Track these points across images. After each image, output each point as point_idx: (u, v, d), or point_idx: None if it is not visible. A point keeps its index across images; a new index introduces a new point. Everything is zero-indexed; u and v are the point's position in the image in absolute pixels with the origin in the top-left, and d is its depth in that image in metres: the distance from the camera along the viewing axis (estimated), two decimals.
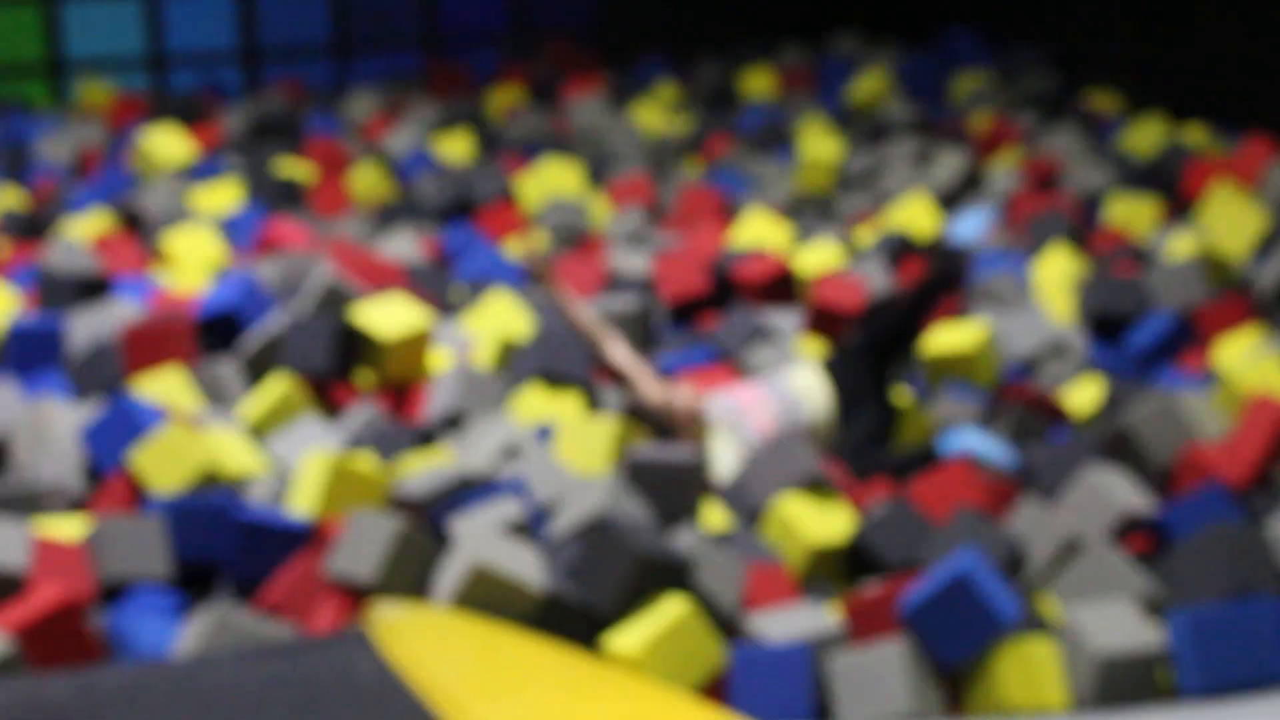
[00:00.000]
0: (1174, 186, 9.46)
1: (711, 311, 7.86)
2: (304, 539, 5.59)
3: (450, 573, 5.12)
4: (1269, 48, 10.60)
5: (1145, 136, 10.31)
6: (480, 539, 5.13)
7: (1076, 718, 4.94)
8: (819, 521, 5.71)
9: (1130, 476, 5.88)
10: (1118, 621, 5.08)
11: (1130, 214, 8.90)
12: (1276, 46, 10.56)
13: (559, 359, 6.69)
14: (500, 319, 7.35)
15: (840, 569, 5.72)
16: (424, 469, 5.79)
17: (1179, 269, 7.75)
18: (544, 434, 6.30)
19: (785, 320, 7.63)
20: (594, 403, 6.74)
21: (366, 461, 5.97)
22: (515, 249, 7.95)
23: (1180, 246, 8.10)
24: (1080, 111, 10.99)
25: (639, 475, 5.61)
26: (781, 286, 7.88)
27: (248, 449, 6.28)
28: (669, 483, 5.60)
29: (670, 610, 5.01)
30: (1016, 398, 6.73)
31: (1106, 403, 6.59)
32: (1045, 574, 5.55)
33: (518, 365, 6.74)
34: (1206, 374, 7.08)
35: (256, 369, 6.91)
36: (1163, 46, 11.45)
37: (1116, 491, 5.71)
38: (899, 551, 5.61)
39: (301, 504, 5.79)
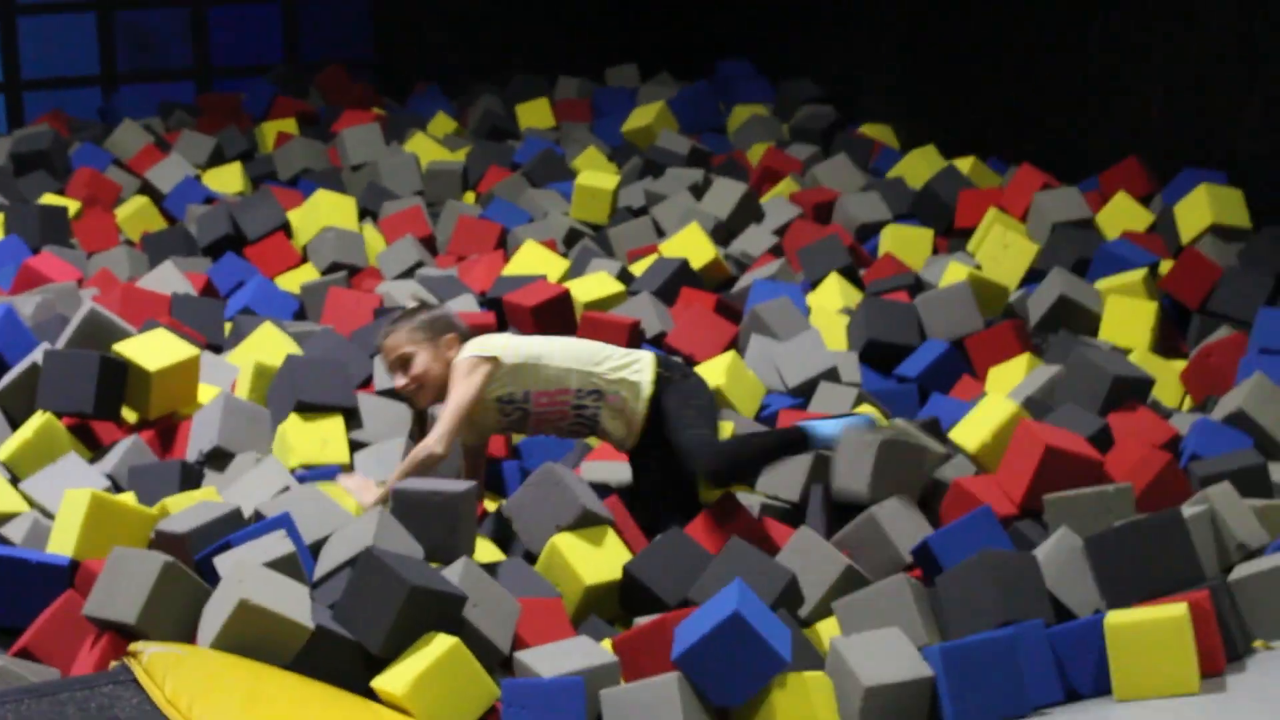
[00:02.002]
0: (947, 217, 9.54)
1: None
2: (63, 577, 5.41)
3: (216, 609, 4.97)
4: (1036, 86, 10.76)
5: (918, 168, 10.40)
6: (247, 575, 4.99)
7: None
8: (591, 559, 5.65)
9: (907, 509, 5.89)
10: (888, 652, 5.07)
11: (904, 244, 8.96)
12: (1043, 86, 10.72)
13: (318, 388, 6.59)
14: (267, 353, 7.20)
15: (616, 608, 5.66)
16: (188, 506, 5.64)
17: (951, 296, 7.81)
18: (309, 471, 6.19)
19: None
20: (355, 428, 6.64)
21: (128, 498, 5.82)
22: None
23: (953, 274, 8.16)
24: (855, 144, 11.07)
25: (406, 508, 5.51)
26: (557, 313, 7.81)
27: (5, 488, 6.08)
28: (437, 516, 5.50)
29: (437, 647, 4.91)
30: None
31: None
32: (820, 605, 5.54)
33: (278, 396, 6.61)
34: (979, 400, 7.13)
35: (16, 407, 6.70)
36: (932, 84, 11.58)
37: (895, 520, 5.72)
38: (670, 585, 5.55)
39: (61, 542, 5.61)
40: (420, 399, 6.18)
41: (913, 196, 9.84)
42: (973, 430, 6.41)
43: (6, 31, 13.27)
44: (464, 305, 8.06)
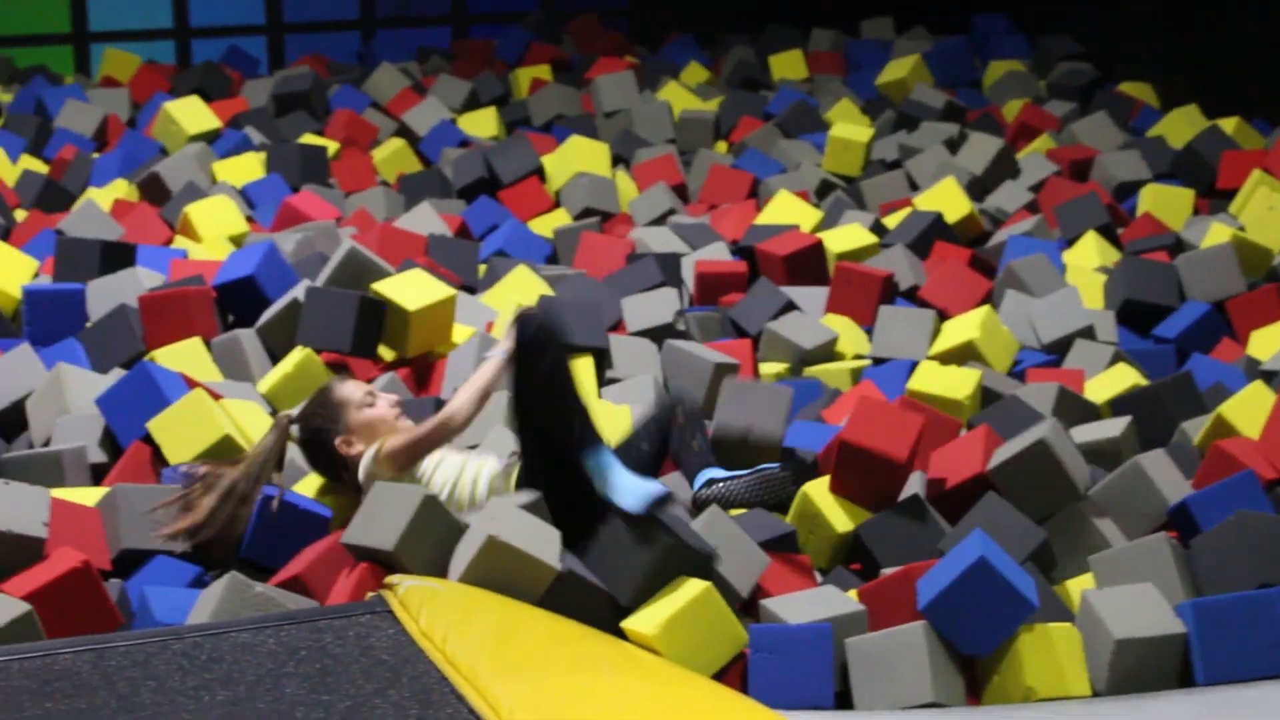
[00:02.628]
0: (1209, 178, 9.35)
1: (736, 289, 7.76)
2: (324, 526, 5.50)
3: (467, 545, 5.03)
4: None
5: (1180, 128, 10.19)
6: (499, 513, 5.04)
7: (1096, 703, 4.86)
8: (842, 507, 5.62)
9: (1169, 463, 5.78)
10: (1139, 606, 5.00)
11: (1164, 204, 8.79)
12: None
13: (570, 328, 6.61)
14: (521, 294, 7.25)
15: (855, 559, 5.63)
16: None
17: (1213, 258, 7.65)
18: None
19: (812, 298, 7.54)
20: (607, 368, 6.65)
21: None
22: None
23: (1215, 236, 7.98)
24: (1114, 101, 10.88)
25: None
26: (810, 263, 7.78)
27: (267, 421, 6.19)
28: None
29: (689, 590, 4.92)
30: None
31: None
32: (1073, 559, 5.46)
33: None
34: (1239, 364, 6.98)
35: (276, 341, 6.82)
36: (1197, 42, 11.33)
37: (1157, 479, 5.62)
38: (912, 540, 5.50)
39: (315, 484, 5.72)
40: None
41: (1173, 156, 9.65)
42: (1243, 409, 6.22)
43: None
44: (716, 253, 8.05)
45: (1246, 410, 6.12)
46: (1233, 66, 11.00)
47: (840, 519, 5.57)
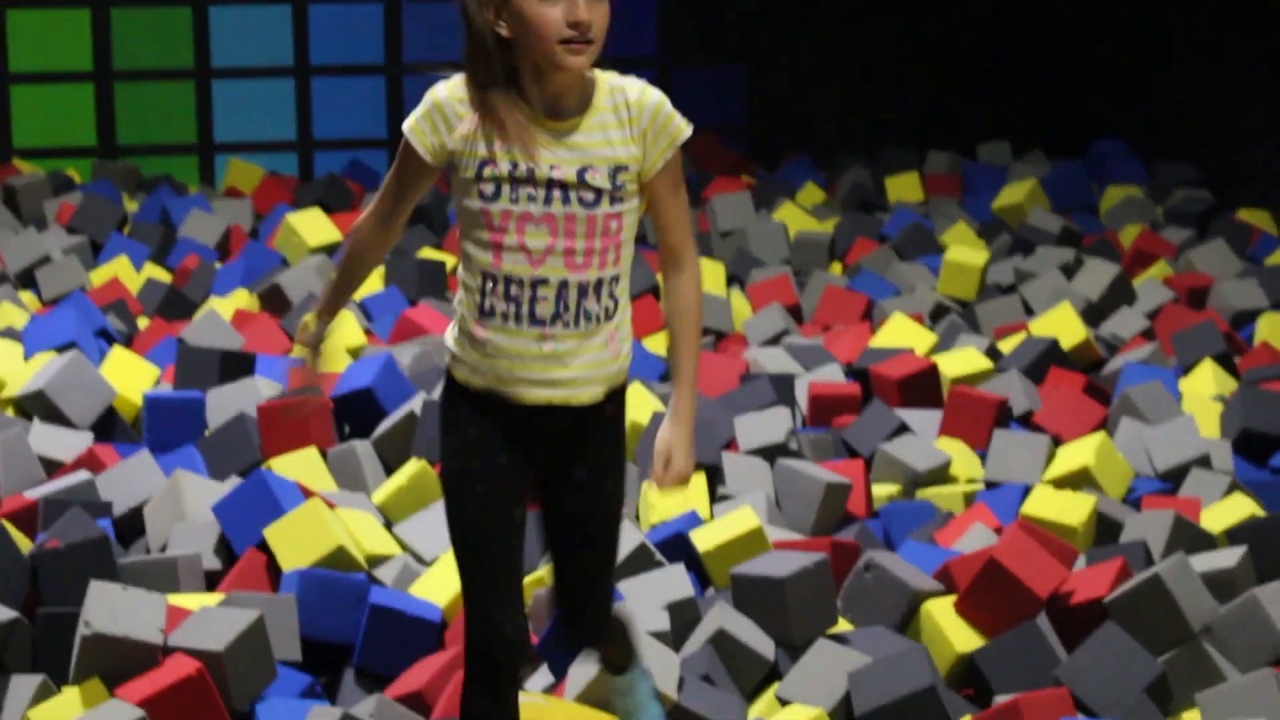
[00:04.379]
0: None
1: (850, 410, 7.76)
2: (435, 632, 5.53)
3: (582, 669, 5.04)
4: None
5: None
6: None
7: None
8: (961, 629, 5.60)
9: None
10: None
11: (1272, 334, 8.73)
12: None
13: None
14: (636, 412, 7.28)
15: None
16: None
17: None
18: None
19: (926, 421, 7.52)
20: (719, 484, 6.64)
21: None
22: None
23: None
24: (1232, 229, 10.84)
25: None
26: (924, 387, 7.78)
27: (380, 532, 6.24)
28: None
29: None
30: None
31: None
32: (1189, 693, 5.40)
33: (644, 452, 6.67)
34: None
35: (391, 453, 6.88)
36: None
37: (1273, 613, 5.55)
38: (1028, 667, 5.46)
39: (434, 592, 5.74)
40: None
41: None
42: None
43: (393, 90, 13.69)
44: (830, 375, 8.07)
45: None
46: None
47: (961, 639, 5.54)
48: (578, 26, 4.08)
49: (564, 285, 4.17)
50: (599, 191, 4.15)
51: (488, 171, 4.16)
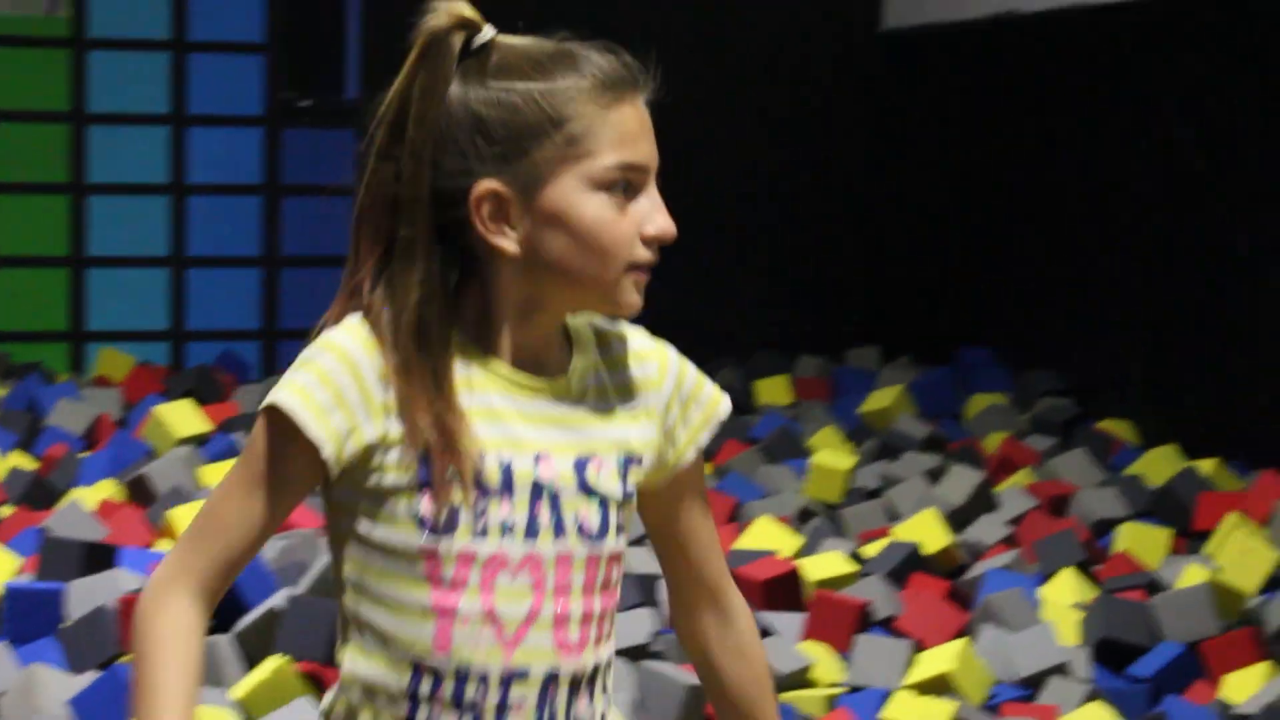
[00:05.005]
0: (1185, 518, 9.44)
1: None
2: None
3: None
4: (1266, 384, 10.67)
5: (1158, 467, 10.31)
6: None
7: None
8: None
9: None
10: None
11: (1141, 543, 8.86)
12: (1259, 382, 10.62)
13: None
14: None
15: None
16: None
17: (1188, 599, 7.70)
18: None
19: (788, 624, 7.57)
20: None
21: None
22: None
23: (1190, 577, 8.05)
24: (1094, 438, 11.02)
25: None
26: (787, 590, 7.83)
27: None
28: None
29: None
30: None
31: None
32: None
33: None
34: (1214, 707, 6.99)
35: (253, 647, 6.83)
36: (1178, 382, 11.51)
37: None
38: None
39: None
40: None
41: (1151, 495, 9.75)
42: None
43: (269, 282, 13.74)
44: None
45: None
46: (1213, 408, 11.17)
47: None
48: (656, 242, 2.62)
49: (550, 682, 2.60)
50: (604, 505, 2.63)
51: (437, 476, 2.50)
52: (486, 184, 2.47)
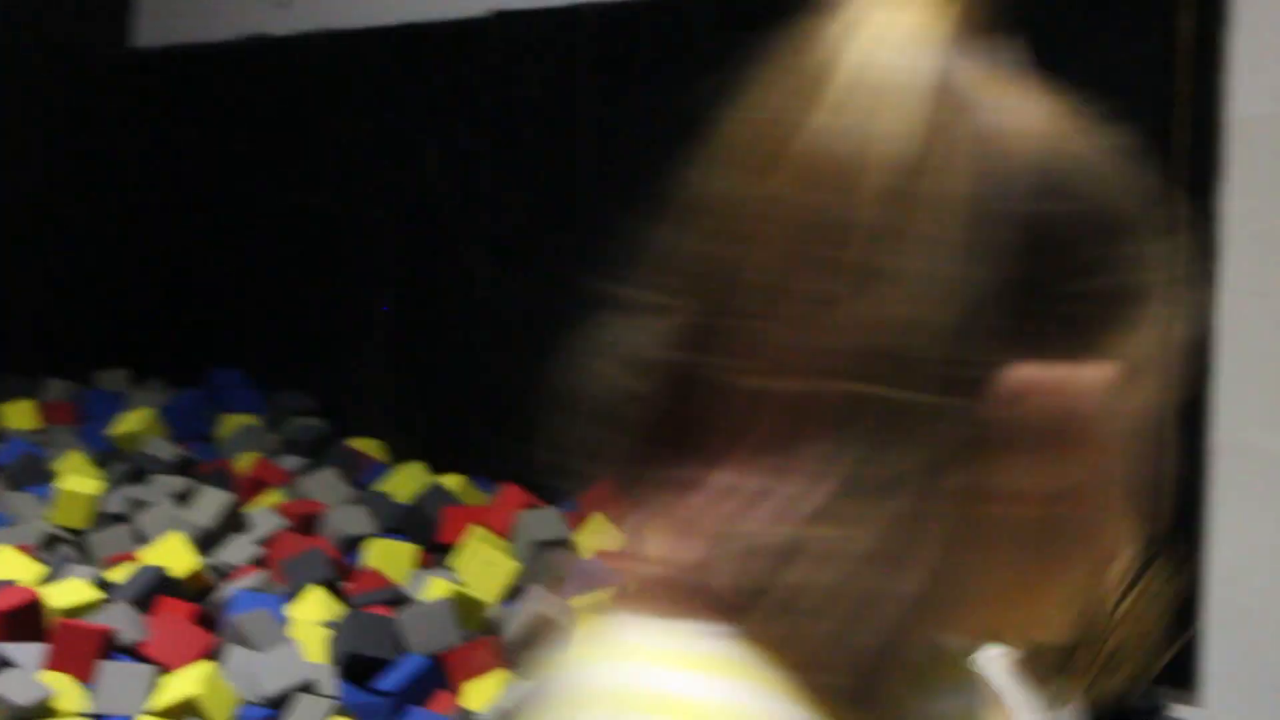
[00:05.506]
0: (431, 532, 9.67)
1: None
2: None
3: None
4: (518, 406, 11.03)
5: (405, 483, 10.53)
6: None
7: None
8: None
9: None
10: None
11: (388, 558, 9.03)
12: (524, 403, 10.99)
13: None
14: None
15: None
16: None
17: (431, 611, 7.89)
18: None
19: (29, 654, 7.39)
20: None
21: None
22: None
23: (435, 590, 8.26)
24: (344, 457, 11.16)
25: None
26: (29, 620, 7.64)
27: None
28: None
29: None
30: None
31: None
32: None
33: None
34: (455, 715, 7.19)
35: None
36: (420, 403, 11.78)
37: None
38: None
39: None
40: None
41: (399, 511, 9.94)
42: None
43: None
44: None
45: None
46: (457, 424, 11.47)
47: None
48: None
49: None
50: None
51: None
52: None
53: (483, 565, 8.76)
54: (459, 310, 11.58)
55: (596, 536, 9.35)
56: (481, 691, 7.39)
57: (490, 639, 7.79)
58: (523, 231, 11.15)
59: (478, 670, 7.58)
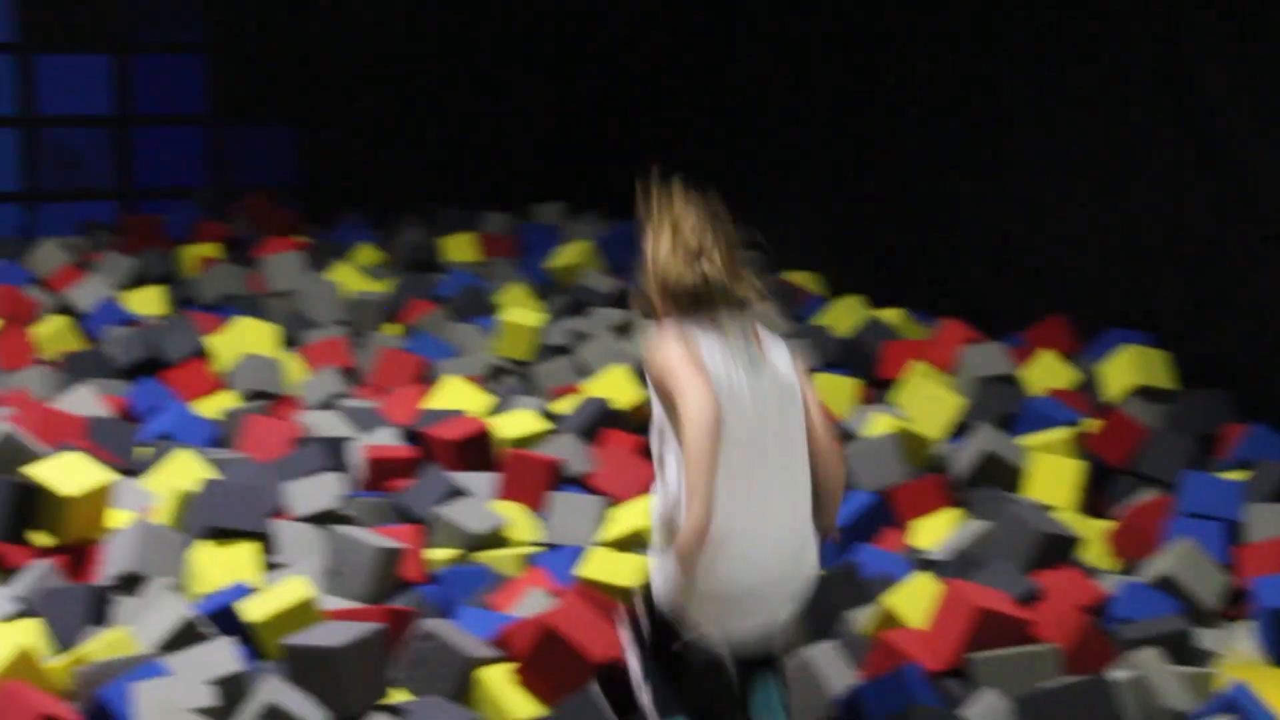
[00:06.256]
0: (871, 367, 9.53)
1: (405, 474, 7.67)
2: None
3: None
4: (962, 242, 10.80)
5: (843, 317, 10.40)
6: (165, 717, 4.88)
7: None
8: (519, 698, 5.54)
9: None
10: None
11: (829, 392, 8.93)
12: (968, 242, 10.75)
13: (231, 512, 6.46)
14: (184, 478, 7.08)
15: None
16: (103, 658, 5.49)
17: (876, 447, 7.77)
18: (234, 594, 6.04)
19: (480, 483, 7.48)
20: (269, 554, 6.50)
21: (38, 632, 5.71)
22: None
23: (878, 425, 8.12)
24: (779, 291, 11.06)
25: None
26: (479, 449, 7.74)
27: None
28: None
29: None
30: None
31: None
32: None
33: (192, 521, 6.48)
34: (904, 552, 7.07)
35: None
36: (859, 236, 11.60)
37: (822, 671, 5.64)
38: None
39: None
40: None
41: (839, 345, 9.82)
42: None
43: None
44: (385, 438, 7.97)
45: (910, 600, 6.19)
46: (896, 258, 11.28)
47: (518, 707, 5.48)
48: None
49: None
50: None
51: None
52: None
53: (926, 401, 8.59)
54: (897, 140, 11.35)
55: (1046, 373, 9.10)
56: (931, 530, 7.25)
57: (937, 476, 7.63)
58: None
59: (926, 508, 7.44)
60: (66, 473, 6.56)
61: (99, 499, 6.58)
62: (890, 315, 10.14)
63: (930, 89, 11.07)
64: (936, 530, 7.24)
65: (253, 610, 5.88)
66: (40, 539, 6.58)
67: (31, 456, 6.74)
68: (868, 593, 6.48)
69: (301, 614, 5.81)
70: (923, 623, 6.05)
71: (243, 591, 6.05)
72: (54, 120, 13.56)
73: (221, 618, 5.92)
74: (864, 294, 10.79)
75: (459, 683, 5.60)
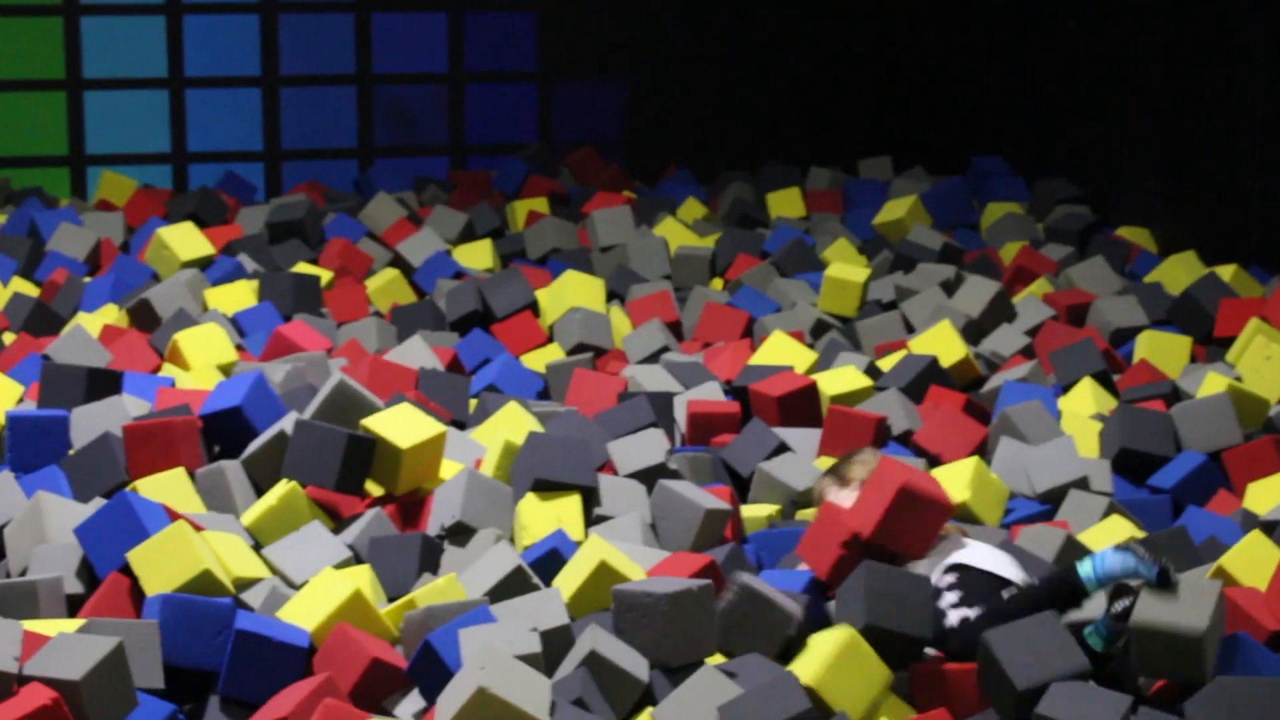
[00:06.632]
0: (1206, 325, 9.30)
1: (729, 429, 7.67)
2: (302, 656, 5.40)
3: (454, 692, 4.92)
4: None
5: (1177, 274, 10.16)
6: (491, 662, 4.94)
7: None
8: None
9: None
10: None
11: (1161, 351, 8.73)
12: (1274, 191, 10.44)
13: (558, 465, 6.52)
14: (511, 430, 7.17)
15: None
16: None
17: (1209, 407, 7.57)
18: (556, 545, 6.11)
19: (805, 440, 7.45)
20: (595, 506, 6.54)
21: (367, 574, 5.83)
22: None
23: (1211, 385, 7.91)
24: (1111, 246, 10.85)
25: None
26: (803, 405, 7.71)
27: (249, 555, 6.10)
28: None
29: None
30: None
31: None
32: None
33: (519, 473, 6.56)
34: (1237, 516, 6.89)
35: (262, 474, 6.72)
36: (1196, 189, 11.32)
37: None
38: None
39: (303, 618, 5.61)
40: None
41: (1170, 303, 9.60)
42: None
43: (269, 102, 13.52)
44: (708, 393, 7.98)
45: (1247, 562, 6.03)
46: (1231, 214, 10.99)
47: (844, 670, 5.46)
48: None
49: None
50: None
51: None
52: None
53: (1263, 361, 8.34)
54: (1234, 95, 11.04)
55: None
56: (1267, 494, 7.04)
57: (1273, 438, 7.40)
58: None
59: (1262, 471, 7.22)
60: (401, 424, 6.68)
61: (432, 450, 6.70)
62: (1226, 272, 9.88)
63: (1272, 45, 10.76)
64: (1272, 493, 7.03)
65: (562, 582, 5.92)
66: (373, 488, 6.72)
67: (364, 407, 6.88)
68: (1199, 556, 6.32)
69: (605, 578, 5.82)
70: (1257, 584, 5.88)
71: (563, 540, 6.12)
72: (390, 78, 13.84)
73: (546, 564, 5.99)
74: (1198, 250, 10.54)
75: (780, 641, 5.58)
